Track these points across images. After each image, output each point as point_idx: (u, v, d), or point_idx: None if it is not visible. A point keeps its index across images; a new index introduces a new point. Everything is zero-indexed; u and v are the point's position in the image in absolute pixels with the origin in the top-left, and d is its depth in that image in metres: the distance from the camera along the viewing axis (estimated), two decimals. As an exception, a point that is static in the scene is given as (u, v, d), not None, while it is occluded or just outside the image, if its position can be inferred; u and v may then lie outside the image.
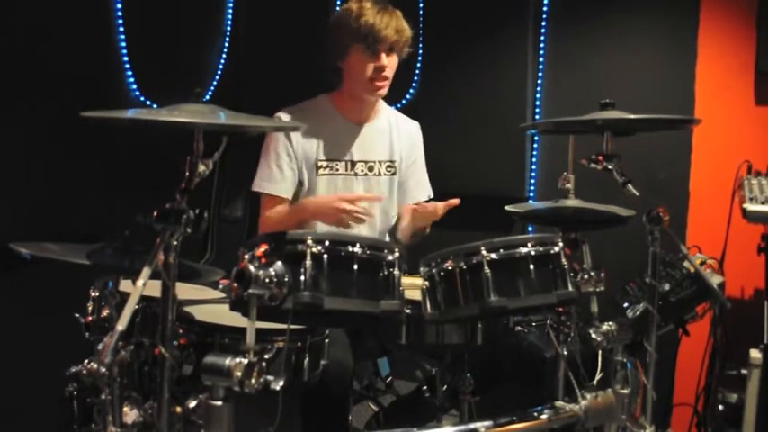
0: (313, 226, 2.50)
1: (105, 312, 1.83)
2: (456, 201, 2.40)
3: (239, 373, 1.48)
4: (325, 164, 2.54)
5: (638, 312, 2.36)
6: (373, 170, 2.60)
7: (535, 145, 3.51)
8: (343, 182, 2.56)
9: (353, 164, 2.58)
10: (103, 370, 1.50)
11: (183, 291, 1.73)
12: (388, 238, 2.66)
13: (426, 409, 2.31)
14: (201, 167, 1.55)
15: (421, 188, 2.74)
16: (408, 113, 2.79)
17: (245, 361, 1.49)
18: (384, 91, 2.51)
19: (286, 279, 1.51)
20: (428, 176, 2.76)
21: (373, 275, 1.60)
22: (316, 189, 2.54)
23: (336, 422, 2.12)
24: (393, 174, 2.64)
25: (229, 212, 3.46)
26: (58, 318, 1.99)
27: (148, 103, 2.95)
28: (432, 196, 2.75)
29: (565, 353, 1.98)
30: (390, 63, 2.47)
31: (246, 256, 1.53)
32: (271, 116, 2.46)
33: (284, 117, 2.51)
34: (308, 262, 1.52)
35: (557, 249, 1.80)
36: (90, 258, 1.79)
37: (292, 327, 1.66)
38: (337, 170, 2.55)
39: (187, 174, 1.55)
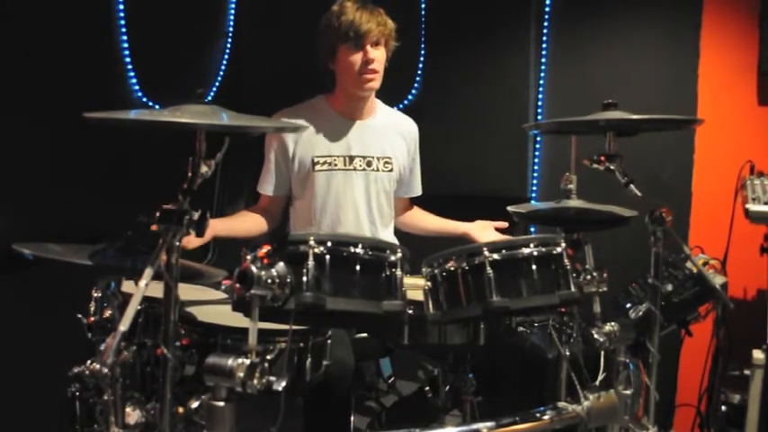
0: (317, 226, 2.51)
1: (107, 313, 1.84)
2: (504, 224, 2.60)
3: (241, 374, 1.48)
4: (322, 159, 2.55)
5: (640, 313, 2.35)
6: (371, 165, 2.61)
7: (537, 145, 3.51)
8: (342, 177, 2.57)
9: (352, 159, 2.58)
10: (106, 370, 1.50)
11: (186, 291, 1.73)
12: (387, 236, 2.67)
13: (428, 409, 2.31)
14: (204, 168, 1.55)
15: (415, 185, 2.79)
16: (410, 114, 2.79)
17: (248, 361, 1.49)
18: (375, 84, 2.53)
19: (288, 280, 1.51)
20: (430, 176, 2.78)
21: (376, 276, 1.60)
22: (314, 185, 2.54)
23: (338, 422, 2.12)
24: (390, 170, 2.65)
25: (231, 213, 3.45)
26: (61, 318, 1.99)
27: (151, 103, 2.95)
28: (420, 194, 2.79)
29: (567, 353, 1.98)
30: (377, 56, 2.49)
31: (249, 257, 1.53)
32: (272, 117, 2.47)
33: (281, 118, 2.52)
34: (311, 263, 1.52)
35: (559, 250, 1.80)
36: (92, 259, 1.79)
37: (295, 327, 1.66)
38: (335, 165, 2.56)
39: (189, 174, 1.55)
